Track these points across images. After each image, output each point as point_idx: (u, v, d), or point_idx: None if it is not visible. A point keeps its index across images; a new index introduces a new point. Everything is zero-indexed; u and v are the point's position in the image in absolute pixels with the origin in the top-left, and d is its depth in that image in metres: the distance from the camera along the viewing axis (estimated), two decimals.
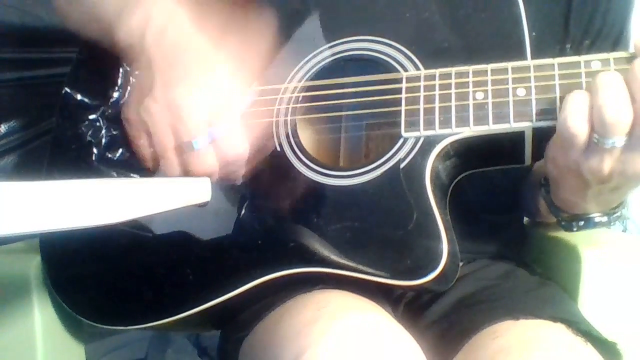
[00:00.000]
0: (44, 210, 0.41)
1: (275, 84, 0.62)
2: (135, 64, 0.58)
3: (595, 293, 0.62)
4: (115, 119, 0.65)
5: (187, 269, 0.60)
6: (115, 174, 0.65)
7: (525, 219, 0.79)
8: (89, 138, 0.66)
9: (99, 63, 0.66)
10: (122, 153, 0.65)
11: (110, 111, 0.66)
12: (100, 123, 0.66)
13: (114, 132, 0.66)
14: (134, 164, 0.63)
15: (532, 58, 0.54)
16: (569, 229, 0.60)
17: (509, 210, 0.71)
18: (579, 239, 0.66)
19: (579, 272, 0.62)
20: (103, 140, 0.66)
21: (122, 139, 0.64)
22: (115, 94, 0.66)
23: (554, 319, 0.55)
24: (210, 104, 0.53)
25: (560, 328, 0.54)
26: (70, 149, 0.67)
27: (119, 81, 0.66)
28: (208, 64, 0.54)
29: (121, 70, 0.66)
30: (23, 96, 0.82)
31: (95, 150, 0.66)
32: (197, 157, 0.54)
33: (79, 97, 0.67)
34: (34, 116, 0.81)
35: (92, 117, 0.66)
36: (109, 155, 0.65)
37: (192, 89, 0.53)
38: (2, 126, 0.79)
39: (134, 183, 0.58)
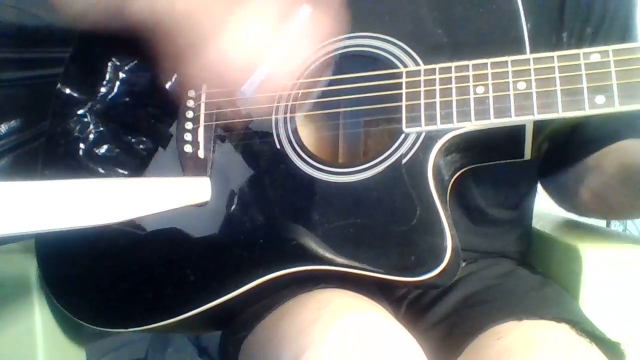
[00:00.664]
0: (43, 210, 0.41)
1: None
2: (152, 35, 0.55)
3: (595, 293, 0.62)
4: (103, 114, 0.65)
5: (187, 269, 0.60)
6: (101, 170, 0.65)
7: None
8: (76, 133, 0.66)
9: (90, 58, 0.66)
10: (108, 149, 0.65)
11: (98, 106, 0.66)
12: (88, 118, 0.66)
13: (102, 128, 0.65)
14: (121, 160, 0.63)
15: (529, 49, 0.54)
16: None
17: (515, 206, 0.71)
18: (579, 239, 0.66)
19: (580, 272, 0.62)
20: (91, 136, 0.66)
21: (110, 135, 0.64)
22: (103, 89, 0.66)
23: (558, 319, 0.55)
24: (244, 51, 0.51)
25: (564, 328, 0.54)
26: (59, 145, 0.66)
27: (108, 76, 0.66)
28: (232, 5, 0.52)
29: (110, 65, 0.66)
30: (23, 96, 0.82)
31: (82, 146, 0.65)
32: (254, 99, 0.54)
33: (67, 91, 0.67)
34: (34, 116, 0.81)
35: (80, 112, 0.66)
36: (96, 151, 0.65)
37: (221, 45, 0.51)
38: (2, 126, 0.79)
39: (133, 183, 0.57)
